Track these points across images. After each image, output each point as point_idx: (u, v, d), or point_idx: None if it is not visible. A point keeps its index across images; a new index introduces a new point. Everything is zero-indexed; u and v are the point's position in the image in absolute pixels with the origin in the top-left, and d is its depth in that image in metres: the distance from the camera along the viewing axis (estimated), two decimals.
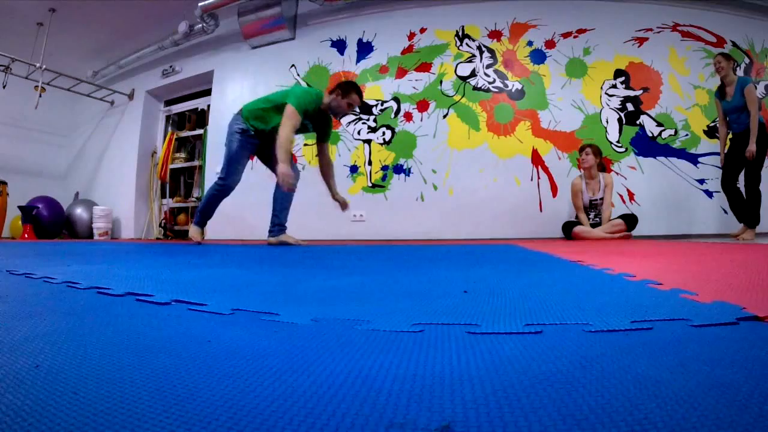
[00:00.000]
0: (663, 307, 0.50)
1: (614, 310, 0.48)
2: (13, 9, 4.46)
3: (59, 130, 5.98)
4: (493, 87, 3.95)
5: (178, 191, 5.37)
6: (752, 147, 2.77)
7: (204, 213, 2.87)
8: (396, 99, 4.10)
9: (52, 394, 0.25)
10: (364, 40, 4.28)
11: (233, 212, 4.35)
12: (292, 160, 2.79)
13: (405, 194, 3.95)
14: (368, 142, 4.12)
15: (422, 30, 4.15)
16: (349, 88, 2.64)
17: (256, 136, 2.71)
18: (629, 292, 0.64)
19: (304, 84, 4.37)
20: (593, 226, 3.32)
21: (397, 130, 4.06)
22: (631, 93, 3.78)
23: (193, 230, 2.90)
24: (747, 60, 3.80)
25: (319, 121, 2.74)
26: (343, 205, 2.86)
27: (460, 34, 4.09)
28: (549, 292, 0.64)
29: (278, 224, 2.83)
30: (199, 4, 4.27)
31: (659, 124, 3.71)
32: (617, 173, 3.67)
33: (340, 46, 4.33)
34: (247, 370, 0.30)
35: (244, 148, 2.70)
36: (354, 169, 4.12)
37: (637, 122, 3.74)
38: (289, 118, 2.49)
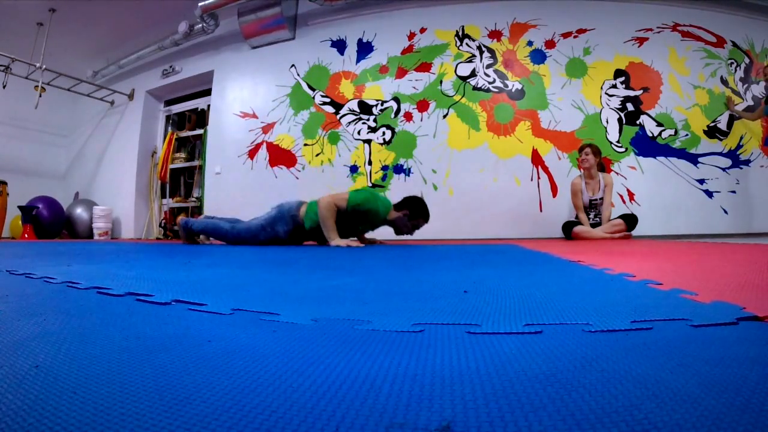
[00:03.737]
0: (663, 307, 0.50)
1: (614, 310, 0.48)
2: (13, 9, 4.46)
3: (59, 130, 5.98)
4: (493, 87, 3.95)
5: (178, 191, 5.37)
6: None
7: (205, 233, 2.88)
8: (396, 99, 4.10)
9: (52, 394, 0.25)
10: (364, 40, 4.28)
11: (233, 212, 4.35)
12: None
13: (405, 194, 3.93)
14: (368, 142, 4.12)
15: (422, 30, 4.15)
16: (420, 212, 2.46)
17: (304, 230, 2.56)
18: (629, 292, 0.64)
19: (304, 85, 4.37)
20: (593, 226, 3.32)
21: (397, 130, 4.06)
22: (631, 93, 3.78)
23: (184, 235, 2.90)
24: (747, 60, 3.80)
25: (370, 222, 2.55)
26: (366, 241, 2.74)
27: (460, 34, 4.09)
28: (549, 292, 0.64)
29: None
30: (199, 4, 4.27)
31: (659, 124, 3.71)
32: (617, 173, 3.67)
33: (340, 46, 4.34)
34: (247, 370, 0.30)
35: (283, 233, 2.57)
36: (354, 169, 4.12)
37: (637, 122, 3.74)
38: (335, 197, 2.37)
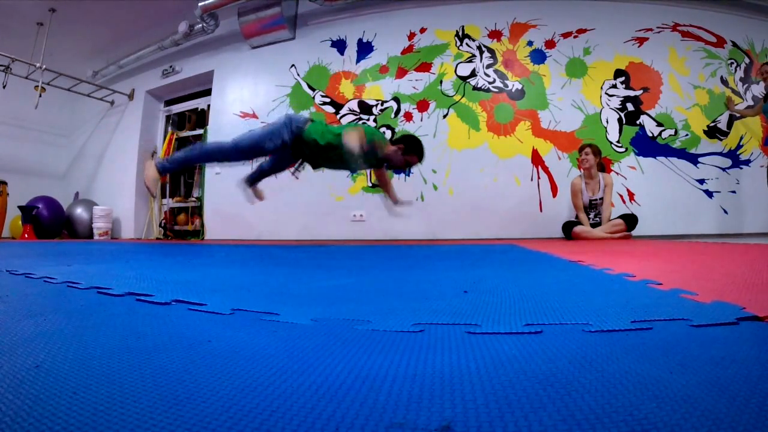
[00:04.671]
0: (663, 307, 0.50)
1: (614, 310, 0.48)
2: (13, 9, 4.46)
3: (59, 130, 5.98)
4: (493, 87, 3.95)
5: (178, 191, 5.38)
6: None
7: (182, 161, 2.49)
8: (396, 99, 4.10)
9: (52, 394, 0.25)
10: (364, 40, 4.28)
11: (233, 212, 4.35)
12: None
13: (405, 194, 3.93)
14: None
15: (422, 30, 4.15)
16: (413, 147, 2.49)
17: (300, 146, 2.48)
18: (629, 292, 0.64)
19: (304, 85, 4.37)
20: (593, 226, 3.32)
21: (397, 130, 4.06)
22: (631, 93, 3.78)
23: (153, 170, 2.44)
24: (747, 60, 3.80)
25: (368, 160, 2.53)
26: (399, 203, 2.88)
27: (460, 34, 4.09)
28: (549, 292, 0.64)
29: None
30: (199, 4, 4.27)
31: (659, 124, 3.71)
32: (617, 173, 3.66)
33: (340, 46, 4.33)
34: (247, 370, 0.30)
35: (278, 148, 2.45)
36: (354, 169, 4.12)
37: (637, 122, 3.74)
38: (359, 133, 2.29)
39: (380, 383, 0.27)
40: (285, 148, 2.51)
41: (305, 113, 2.68)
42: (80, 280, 0.80)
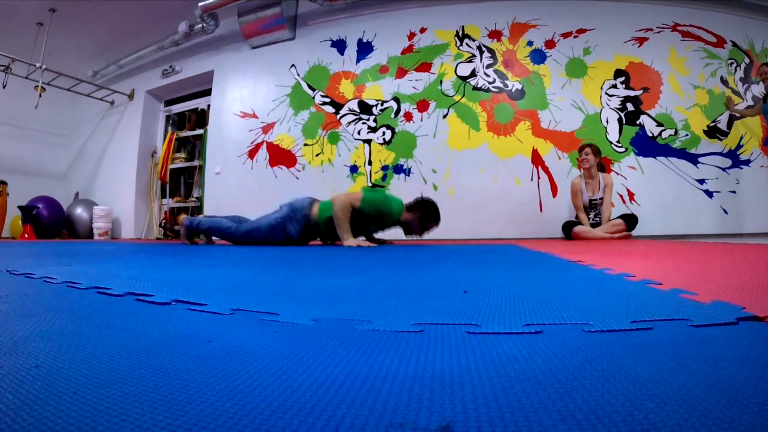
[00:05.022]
0: (663, 307, 0.50)
1: (614, 310, 0.48)
2: (13, 9, 4.46)
3: (59, 130, 5.98)
4: (493, 87, 3.95)
5: (178, 191, 5.38)
6: None
7: (211, 233, 2.83)
8: (396, 99, 4.10)
9: (52, 394, 0.25)
10: (364, 40, 4.28)
11: (233, 212, 4.35)
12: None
13: (405, 194, 3.91)
14: (368, 142, 4.12)
15: (422, 30, 4.15)
16: (431, 215, 2.47)
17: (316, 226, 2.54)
18: (629, 292, 0.64)
19: (304, 85, 4.37)
20: (593, 226, 3.32)
21: (397, 130, 4.06)
22: (631, 93, 3.78)
23: (186, 234, 2.84)
24: (747, 60, 3.80)
25: (381, 222, 2.55)
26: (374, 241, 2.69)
27: (460, 34, 4.09)
28: (549, 292, 0.64)
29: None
30: (199, 4, 4.27)
31: (659, 124, 3.71)
32: (617, 173, 3.67)
33: (340, 46, 4.34)
34: (247, 370, 0.30)
35: (295, 233, 2.53)
36: (354, 169, 4.12)
37: (637, 122, 3.74)
38: (350, 197, 2.35)
39: (380, 383, 0.27)
40: (291, 242, 2.54)
41: (309, 196, 2.66)
42: (80, 280, 0.80)
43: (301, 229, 2.51)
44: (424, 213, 2.46)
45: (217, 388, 0.26)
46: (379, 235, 2.83)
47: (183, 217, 2.91)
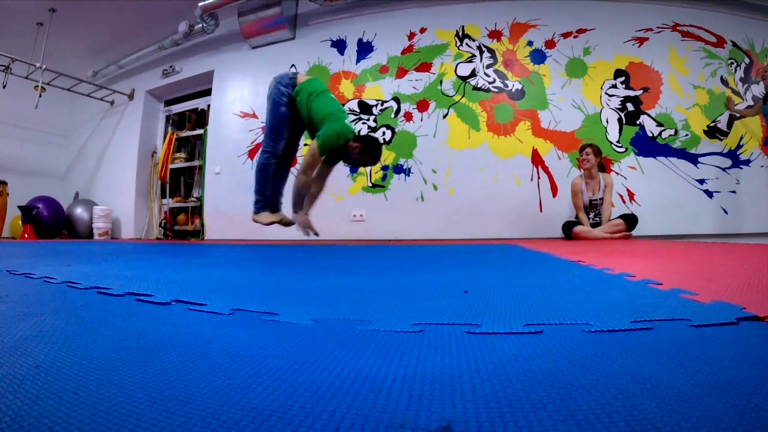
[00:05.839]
0: (663, 307, 0.50)
1: (614, 310, 0.48)
2: (13, 9, 4.46)
3: (59, 130, 5.98)
4: (493, 87, 3.95)
5: (178, 191, 5.37)
6: None
7: (262, 191, 2.68)
8: (396, 99, 4.10)
9: (52, 394, 0.25)
10: (364, 40, 4.28)
11: (233, 212, 4.35)
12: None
13: (405, 194, 3.94)
14: None
15: (422, 30, 4.15)
16: (370, 151, 2.52)
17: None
18: (629, 292, 0.64)
19: None
20: (593, 226, 3.32)
21: (397, 130, 4.06)
22: (631, 93, 3.78)
23: (261, 216, 2.72)
24: (747, 60, 3.80)
25: (337, 153, 2.58)
26: (305, 227, 2.64)
27: (460, 34, 4.09)
28: (549, 292, 0.64)
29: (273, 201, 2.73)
30: (199, 4, 4.27)
31: (659, 124, 3.71)
32: (617, 173, 3.67)
33: (340, 46, 4.33)
34: (247, 370, 0.30)
35: (289, 112, 2.54)
36: (354, 169, 4.12)
37: (637, 122, 3.74)
38: (311, 154, 2.40)
39: (380, 383, 0.27)
40: (292, 105, 2.54)
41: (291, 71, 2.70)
42: (80, 280, 0.80)
43: (288, 94, 2.53)
44: (366, 147, 2.50)
45: (217, 388, 0.26)
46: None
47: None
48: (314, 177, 2.62)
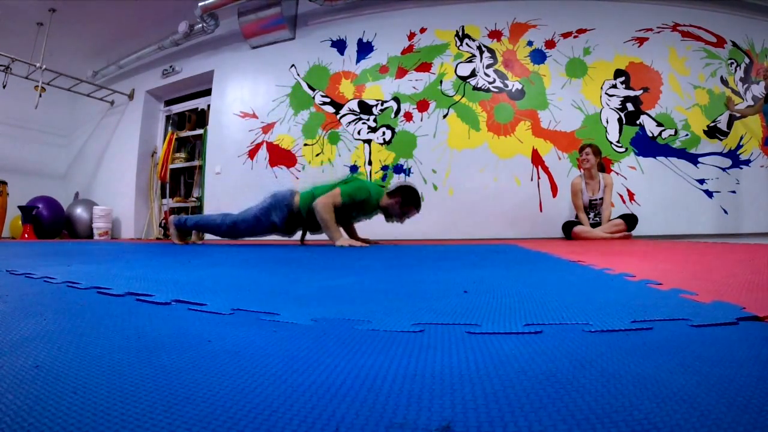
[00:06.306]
0: (663, 307, 0.50)
1: (614, 310, 0.48)
2: (13, 9, 4.46)
3: (59, 130, 5.98)
4: (493, 87, 3.95)
5: (178, 191, 5.38)
6: None
7: (197, 226, 2.83)
8: (396, 99, 4.10)
9: (52, 394, 0.25)
10: (364, 40, 4.28)
11: (233, 212, 4.35)
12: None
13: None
14: (368, 142, 4.12)
15: (422, 30, 4.15)
16: (411, 200, 2.48)
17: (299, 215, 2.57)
18: (629, 292, 0.64)
19: (304, 85, 4.37)
20: (593, 226, 3.32)
21: (397, 130, 4.06)
22: (631, 93, 3.78)
23: (175, 234, 2.87)
24: (747, 60, 3.80)
25: (363, 210, 2.58)
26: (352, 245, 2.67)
27: (460, 34, 4.09)
28: (549, 292, 0.64)
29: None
30: (199, 4, 4.27)
31: (659, 124, 3.71)
32: (617, 173, 3.67)
33: (340, 46, 4.34)
34: (247, 370, 0.30)
35: (279, 221, 2.56)
36: (354, 169, 4.12)
37: (637, 122, 3.74)
38: (329, 197, 2.38)
39: (380, 383, 0.27)
40: (276, 230, 2.58)
41: (290, 187, 2.73)
42: (80, 280, 0.80)
43: (284, 216, 2.53)
44: (405, 198, 2.47)
45: (217, 388, 0.26)
46: (366, 230, 2.82)
47: (171, 217, 2.91)
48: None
